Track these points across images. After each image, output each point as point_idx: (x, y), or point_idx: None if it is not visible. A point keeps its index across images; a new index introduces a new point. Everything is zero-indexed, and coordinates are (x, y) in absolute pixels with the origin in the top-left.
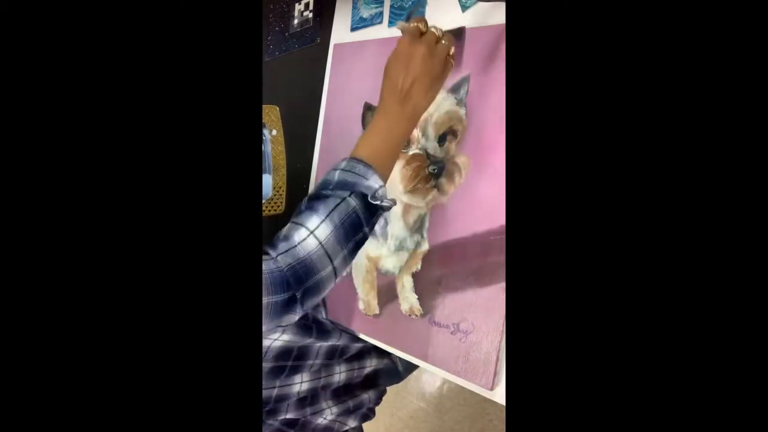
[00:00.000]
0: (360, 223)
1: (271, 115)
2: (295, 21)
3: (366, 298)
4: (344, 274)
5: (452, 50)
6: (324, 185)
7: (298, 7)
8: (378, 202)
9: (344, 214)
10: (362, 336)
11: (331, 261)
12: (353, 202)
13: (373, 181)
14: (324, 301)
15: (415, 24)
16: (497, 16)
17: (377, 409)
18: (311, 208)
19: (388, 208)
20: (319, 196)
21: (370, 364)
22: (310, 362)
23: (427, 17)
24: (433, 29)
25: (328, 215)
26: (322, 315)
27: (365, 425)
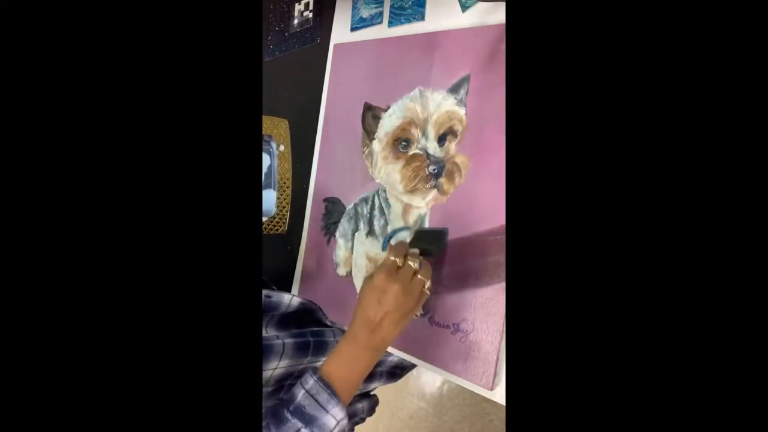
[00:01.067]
0: None
1: (280, 129)
2: (295, 21)
3: None
4: None
5: (428, 284)
6: (288, 401)
7: (298, 7)
8: None
9: None
10: None
11: None
12: None
13: (331, 417)
14: (320, 308)
15: (392, 258)
16: (497, 16)
17: (377, 409)
18: (266, 427)
19: None
20: (276, 415)
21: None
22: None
23: (427, 18)
24: (409, 263)
25: None
26: (319, 316)
27: (365, 423)
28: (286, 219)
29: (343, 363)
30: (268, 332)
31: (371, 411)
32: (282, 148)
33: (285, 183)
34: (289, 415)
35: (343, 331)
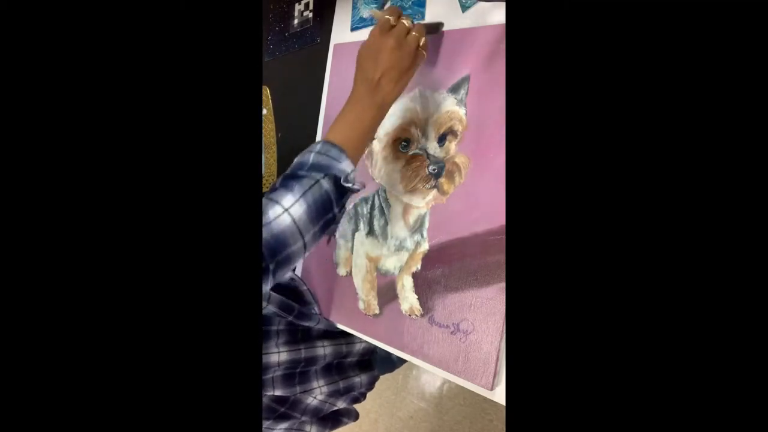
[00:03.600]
0: (331, 203)
1: (262, 94)
2: (295, 21)
3: (366, 298)
4: (313, 248)
5: (423, 41)
6: (299, 166)
7: (298, 7)
8: (349, 185)
9: (317, 195)
10: (363, 336)
11: (303, 237)
12: (326, 184)
13: (346, 165)
14: (315, 298)
15: (386, 16)
16: (497, 16)
17: (378, 409)
18: (286, 186)
19: (358, 191)
20: (294, 176)
21: (360, 340)
22: (275, 328)
23: (427, 18)
24: (403, 21)
25: (302, 195)
26: (307, 298)
27: (365, 424)
28: (274, 177)
29: (347, 124)
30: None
31: (370, 386)
32: (264, 111)
33: (270, 143)
34: (305, 173)
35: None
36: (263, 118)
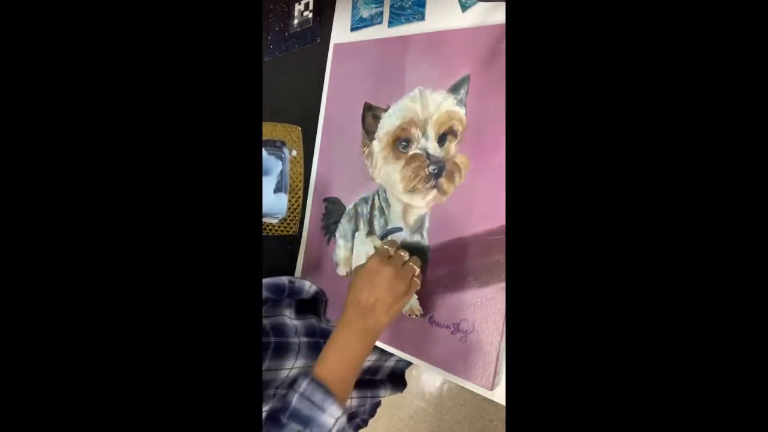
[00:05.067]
0: None
1: (293, 135)
2: (295, 21)
3: None
4: None
5: (417, 272)
6: (282, 408)
7: (298, 7)
8: None
9: None
10: None
11: None
12: None
13: (328, 415)
14: (326, 302)
15: (385, 246)
16: (497, 16)
17: (378, 409)
18: None
19: None
20: (275, 421)
21: (373, 359)
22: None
23: (427, 18)
24: (400, 252)
25: None
26: (321, 312)
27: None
28: (297, 220)
29: (337, 354)
30: (289, 315)
31: (372, 412)
32: (294, 153)
33: (297, 186)
34: (285, 420)
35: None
36: (292, 159)
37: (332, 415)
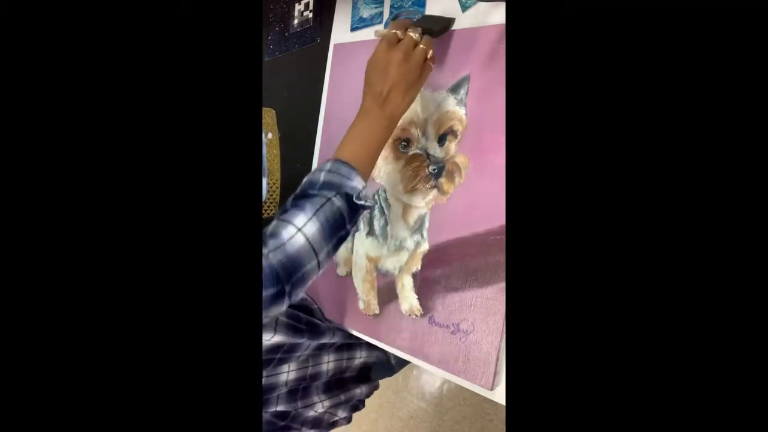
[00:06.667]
0: (344, 221)
1: (267, 118)
2: (295, 21)
3: (366, 298)
4: (326, 266)
5: (430, 54)
6: (310, 185)
7: (298, 7)
8: (362, 202)
9: (329, 213)
10: (362, 336)
11: (317, 256)
12: (338, 202)
13: (357, 183)
14: (323, 314)
15: (393, 30)
16: (497, 16)
17: (377, 409)
18: (298, 206)
19: (370, 207)
20: (305, 195)
21: (360, 356)
22: (298, 354)
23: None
24: (410, 34)
25: (314, 214)
26: (318, 316)
27: (364, 424)
28: (276, 203)
29: (356, 140)
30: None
31: (369, 395)
32: (270, 135)
33: (274, 168)
34: (316, 192)
35: (337, 328)
36: (268, 142)
37: (359, 183)
